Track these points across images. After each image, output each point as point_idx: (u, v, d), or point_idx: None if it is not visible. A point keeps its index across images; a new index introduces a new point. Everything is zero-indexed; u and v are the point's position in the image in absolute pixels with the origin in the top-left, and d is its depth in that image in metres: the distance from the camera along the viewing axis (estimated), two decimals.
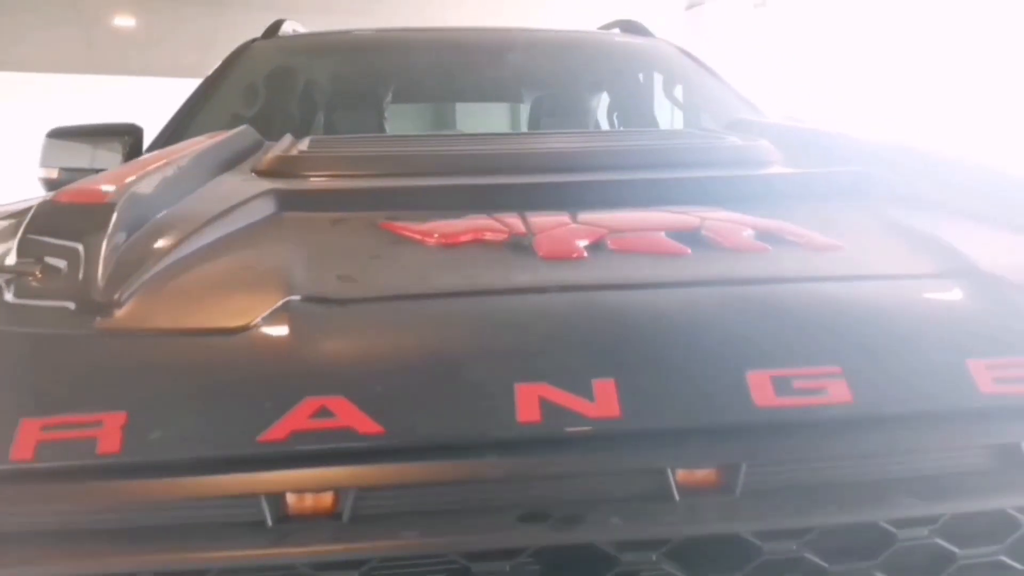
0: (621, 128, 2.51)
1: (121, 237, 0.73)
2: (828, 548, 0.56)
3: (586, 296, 0.68)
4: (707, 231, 0.79)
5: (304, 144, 1.37)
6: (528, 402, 0.56)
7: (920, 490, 0.57)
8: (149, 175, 0.91)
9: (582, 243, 0.76)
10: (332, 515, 0.54)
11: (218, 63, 2.36)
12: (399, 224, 0.83)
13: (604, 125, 2.61)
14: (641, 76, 2.61)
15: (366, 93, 2.52)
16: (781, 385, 0.59)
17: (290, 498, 0.55)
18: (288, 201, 0.89)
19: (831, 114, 5.47)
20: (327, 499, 0.55)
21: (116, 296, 0.64)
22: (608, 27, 2.89)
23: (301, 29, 2.72)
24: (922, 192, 0.93)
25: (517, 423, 0.56)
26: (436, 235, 0.80)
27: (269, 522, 0.53)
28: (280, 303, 0.63)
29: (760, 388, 0.58)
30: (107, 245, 0.70)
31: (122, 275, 0.67)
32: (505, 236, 0.79)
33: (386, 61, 2.54)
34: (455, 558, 0.54)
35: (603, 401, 0.57)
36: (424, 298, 0.68)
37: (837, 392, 0.58)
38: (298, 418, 0.55)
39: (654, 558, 0.55)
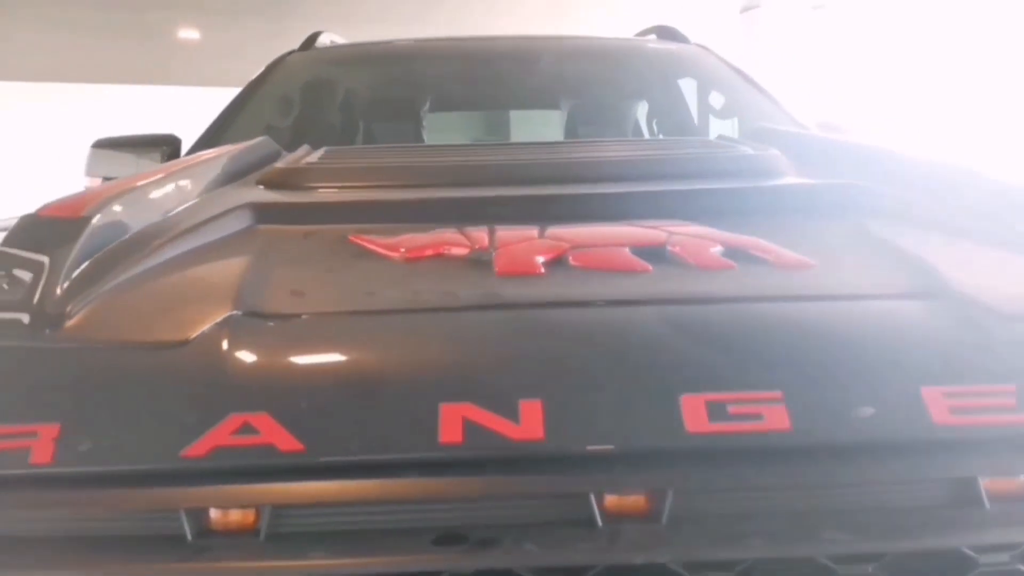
0: (653, 137, 2.48)
1: (88, 251, 0.75)
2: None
3: (524, 314, 0.67)
4: (673, 247, 0.77)
5: (315, 155, 1.39)
6: (451, 422, 0.56)
7: (861, 525, 0.54)
8: (139, 189, 0.93)
9: (541, 259, 0.75)
10: (252, 532, 0.55)
11: None
12: (367, 238, 0.83)
13: (645, 133, 2.58)
14: (677, 82, 2.57)
15: (403, 103, 2.54)
16: (716, 410, 0.56)
17: (213, 514, 0.55)
18: (264, 214, 0.91)
19: (887, 119, 5.28)
20: (249, 516, 0.55)
21: (67, 309, 0.66)
22: (645, 33, 2.86)
23: (339, 40, 2.77)
24: (918, 207, 0.89)
25: (438, 444, 0.55)
26: (400, 249, 0.80)
27: (188, 537, 0.54)
28: (222, 318, 0.64)
29: (693, 413, 0.56)
30: (70, 259, 0.72)
31: (79, 288, 0.69)
32: (467, 251, 0.78)
33: (422, 71, 2.57)
34: None
35: (528, 423, 0.56)
36: (362, 315, 0.68)
37: (775, 419, 0.56)
38: (221, 434, 0.55)
39: None
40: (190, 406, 0.58)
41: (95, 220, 0.79)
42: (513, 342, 0.64)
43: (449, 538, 0.53)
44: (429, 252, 0.79)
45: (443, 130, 3.14)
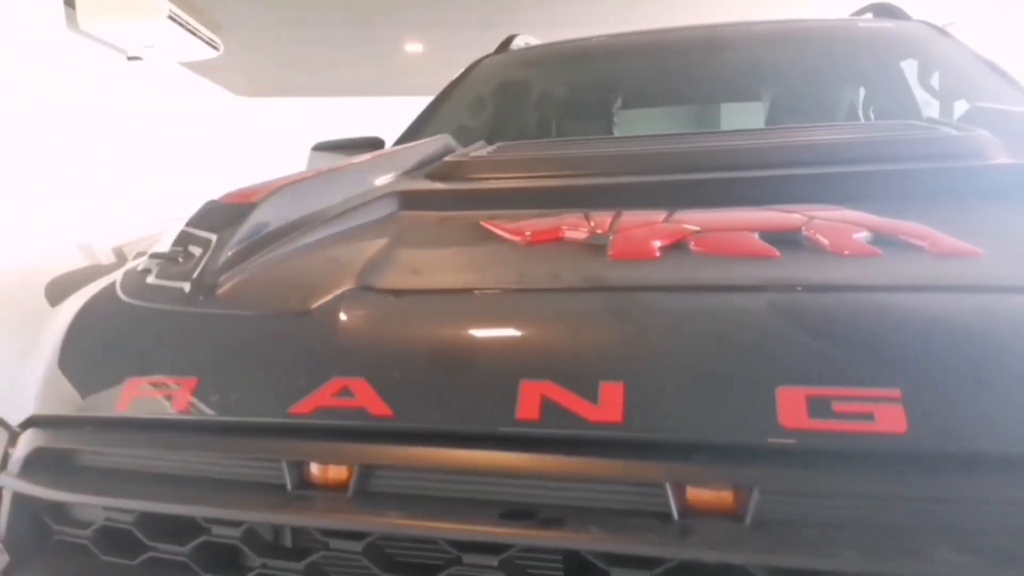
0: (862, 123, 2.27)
1: (251, 232, 0.84)
2: None
3: (621, 296, 0.64)
4: (811, 232, 0.71)
5: (485, 149, 1.44)
6: (530, 400, 0.55)
7: (980, 547, 0.46)
8: (309, 180, 1.02)
9: (658, 243, 0.72)
10: (343, 488, 0.58)
11: None
12: (496, 223, 0.85)
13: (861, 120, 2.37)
14: (896, 64, 2.33)
15: (593, 101, 2.55)
16: (818, 406, 0.51)
17: (312, 467, 0.60)
18: (408, 201, 0.96)
19: None
20: (342, 472, 0.59)
21: (220, 280, 0.75)
22: (861, 12, 2.64)
23: (534, 42, 2.84)
24: None
25: (515, 420, 0.55)
26: (524, 233, 0.80)
27: (288, 486, 0.59)
28: (340, 292, 0.69)
29: (791, 407, 0.51)
30: (234, 238, 0.81)
31: (235, 262, 0.78)
32: (587, 235, 0.77)
33: (614, 67, 2.55)
34: (446, 547, 0.55)
35: (607, 405, 0.54)
36: (465, 293, 0.69)
37: (889, 419, 0.50)
38: (324, 395, 0.60)
39: None
40: (302, 369, 0.63)
41: (262, 206, 0.88)
42: (602, 323, 0.62)
43: (516, 512, 0.53)
44: (550, 236, 0.79)
45: (638, 128, 3.09)
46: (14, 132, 4.39)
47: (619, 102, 2.64)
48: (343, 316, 0.65)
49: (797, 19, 2.66)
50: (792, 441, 0.50)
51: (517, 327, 0.64)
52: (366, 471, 0.58)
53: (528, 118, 2.57)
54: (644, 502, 0.52)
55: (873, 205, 0.77)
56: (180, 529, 0.62)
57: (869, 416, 0.50)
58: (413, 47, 7.20)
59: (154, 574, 0.63)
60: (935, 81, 2.21)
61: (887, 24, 2.32)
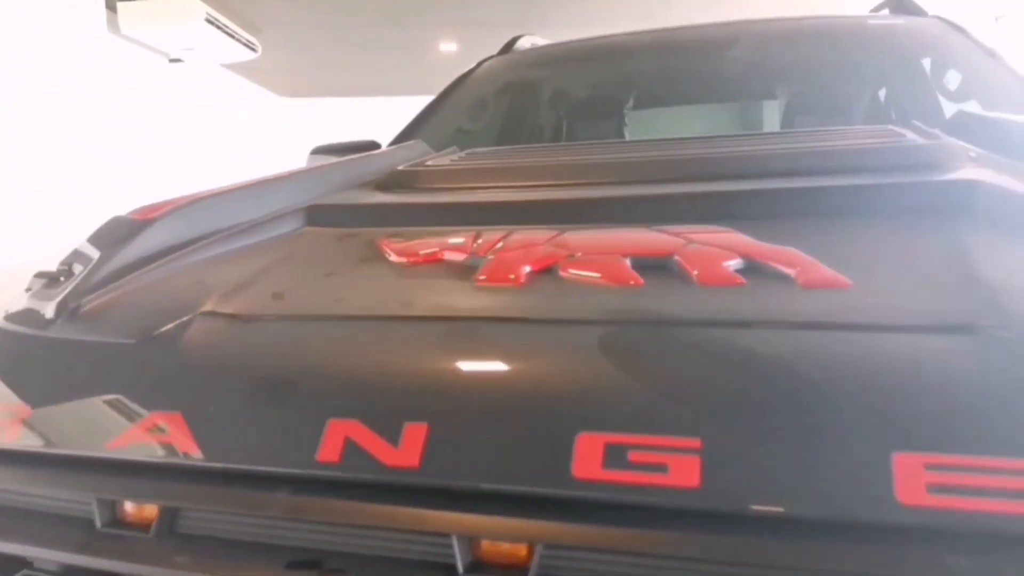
0: (885, 123, 2.17)
1: (138, 251, 0.83)
2: None
3: (456, 328, 0.61)
4: (682, 257, 0.66)
5: (450, 157, 1.41)
6: (334, 440, 0.52)
7: None
8: (227, 195, 1.00)
9: (527, 268, 0.68)
10: (148, 528, 0.56)
11: None
12: (391, 242, 0.82)
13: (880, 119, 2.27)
14: (913, 61, 2.23)
15: (602, 101, 2.49)
16: (614, 454, 0.47)
17: (127, 505, 0.58)
18: (314, 217, 0.93)
19: None
20: (153, 511, 0.57)
21: (81, 303, 0.73)
22: (879, 8, 2.54)
23: (541, 42, 2.79)
24: None
25: (316, 461, 0.52)
26: (408, 254, 0.77)
27: (98, 524, 0.57)
28: (184, 318, 0.67)
29: (587, 455, 0.47)
30: (115, 257, 0.80)
31: (104, 284, 0.76)
32: (464, 257, 0.74)
33: (622, 67, 2.50)
34: None
35: (407, 448, 0.51)
36: (306, 320, 0.67)
37: (683, 472, 0.45)
38: (140, 430, 0.58)
39: None
40: (127, 401, 0.61)
41: (159, 223, 0.86)
42: (419, 357, 0.58)
43: (302, 562, 0.50)
44: (431, 258, 0.75)
45: (650, 128, 3.02)
46: (63, 132, 4.54)
47: (630, 102, 2.58)
48: (176, 345, 0.63)
49: (809, 16, 2.56)
50: (582, 493, 0.46)
51: (338, 360, 0.61)
52: (170, 511, 0.56)
53: (532, 120, 2.53)
54: (433, 552, 0.49)
55: (777, 225, 0.72)
56: (7, 561, 0.61)
57: (663, 467, 0.45)
58: (448, 46, 7.21)
59: None
60: (948, 79, 2.11)
61: (899, 20, 2.22)
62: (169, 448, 0.56)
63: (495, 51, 2.87)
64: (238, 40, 6.21)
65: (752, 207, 0.80)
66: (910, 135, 1.12)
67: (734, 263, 0.63)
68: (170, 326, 0.66)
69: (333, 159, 2.22)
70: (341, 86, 8.50)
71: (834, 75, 2.27)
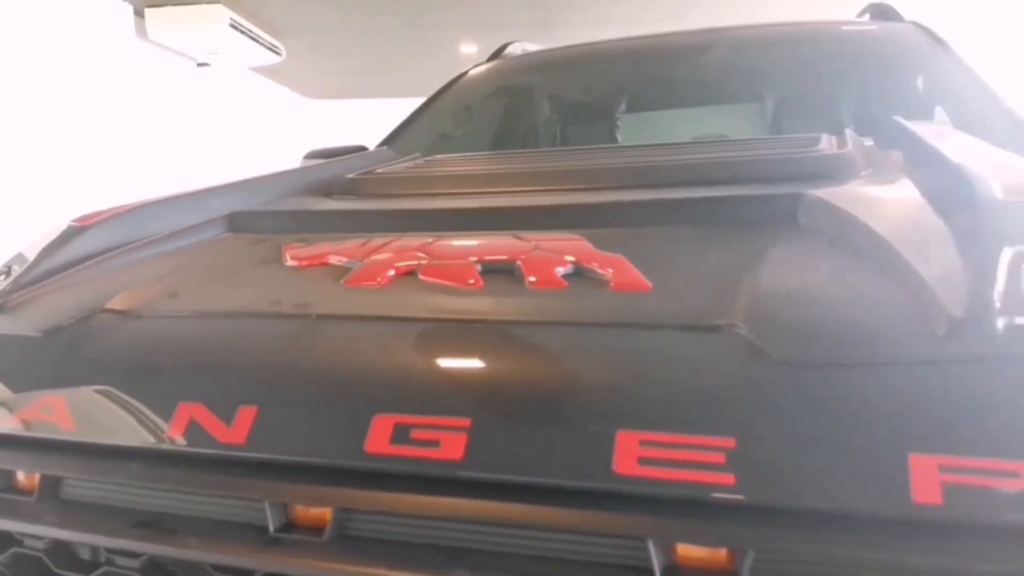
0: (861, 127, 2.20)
1: (69, 255, 0.92)
2: None
3: (293, 324, 0.69)
4: (523, 262, 0.73)
5: (405, 164, 1.50)
6: (181, 420, 0.61)
7: (489, 566, 0.50)
8: (168, 202, 1.09)
9: (392, 272, 0.76)
10: (32, 493, 0.66)
11: None
12: (293, 246, 0.90)
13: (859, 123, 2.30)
14: (893, 66, 2.26)
15: (591, 106, 2.56)
16: (400, 433, 0.55)
17: (19, 475, 0.68)
18: (235, 223, 1.02)
19: None
20: (35, 480, 0.66)
21: (10, 301, 0.83)
22: (862, 13, 2.57)
23: (531, 48, 2.86)
24: (858, 228, 0.72)
25: (165, 437, 0.61)
26: (300, 258, 0.85)
27: None
28: (81, 315, 0.76)
29: (379, 433, 0.55)
30: (46, 261, 0.90)
31: (29, 284, 0.86)
32: (346, 260, 0.82)
33: (610, 71, 2.55)
34: (80, 548, 0.62)
35: (238, 426, 0.59)
36: (182, 317, 0.75)
37: (451, 447, 0.53)
38: (32, 411, 0.67)
39: None
40: (27, 385, 0.70)
41: (92, 230, 0.96)
42: (260, 350, 0.67)
43: (147, 523, 0.59)
44: (317, 261, 0.83)
45: (641, 132, 3.07)
46: (104, 134, 4.74)
47: (622, 106, 2.63)
48: (70, 338, 0.72)
49: (799, 22, 2.60)
50: (373, 465, 0.54)
51: (195, 351, 0.69)
52: (51, 479, 0.65)
53: (521, 125, 2.59)
54: (249, 515, 0.57)
55: (625, 233, 0.79)
56: None
57: (436, 443, 0.53)
58: (468, 48, 7.30)
59: None
60: (919, 84, 2.14)
61: (875, 26, 2.25)
62: (51, 426, 0.65)
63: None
64: (262, 44, 6.38)
65: (608, 217, 0.87)
66: (823, 145, 1.17)
67: (563, 269, 0.71)
68: (72, 321, 0.76)
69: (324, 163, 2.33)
70: (364, 88, 8.65)
71: (814, 79, 2.31)
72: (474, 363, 0.60)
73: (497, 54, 2.67)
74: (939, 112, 2.01)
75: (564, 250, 0.75)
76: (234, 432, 0.58)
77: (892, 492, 0.44)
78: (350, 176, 1.33)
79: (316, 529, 0.56)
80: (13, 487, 0.67)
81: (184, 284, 0.84)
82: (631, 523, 0.48)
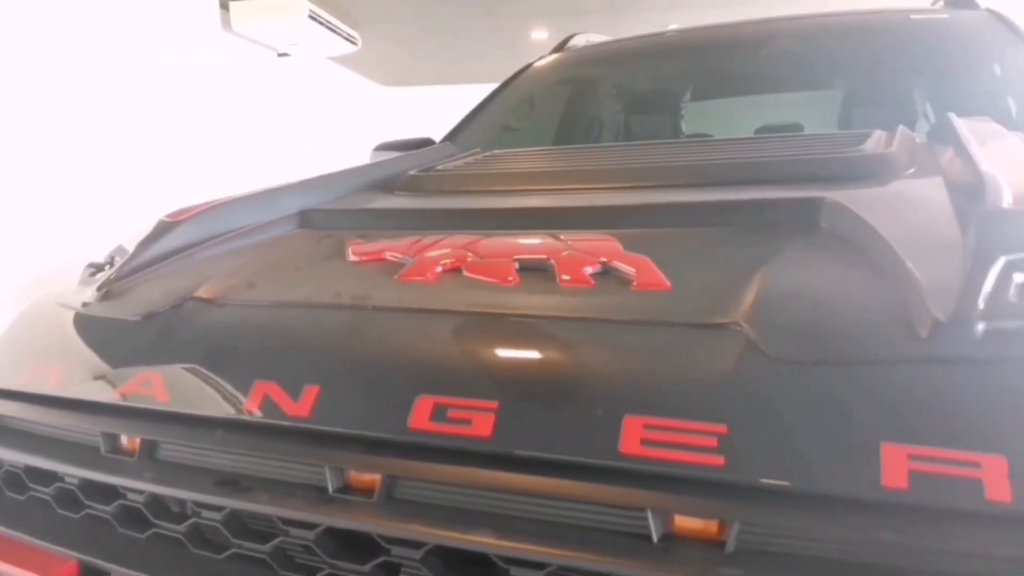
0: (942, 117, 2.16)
1: (164, 248, 1.04)
2: (451, 560, 0.61)
3: (352, 314, 0.78)
4: (556, 261, 0.80)
5: (465, 160, 1.58)
6: (257, 395, 0.71)
7: (526, 532, 0.58)
8: (249, 199, 1.20)
9: (440, 268, 0.84)
10: (133, 455, 0.77)
11: None
12: (356, 242, 0.99)
13: (931, 114, 2.26)
14: (967, 55, 2.20)
15: (657, 96, 2.58)
16: (439, 412, 0.63)
17: (123, 439, 0.79)
18: (306, 220, 1.12)
19: None
20: (135, 443, 0.78)
21: (110, 289, 0.95)
22: (935, 0, 2.50)
23: (596, 38, 2.89)
24: (892, 230, 0.76)
25: (243, 410, 0.71)
26: (360, 253, 0.95)
27: (102, 450, 0.78)
28: (173, 303, 0.87)
29: (422, 412, 0.64)
30: (145, 253, 1.02)
31: (130, 275, 0.98)
32: (400, 256, 0.90)
33: (676, 61, 2.57)
34: (172, 502, 0.73)
35: (304, 402, 0.69)
36: (259, 306, 0.85)
37: (481, 426, 0.61)
38: (134, 384, 0.79)
39: (311, 537, 0.66)
40: (129, 362, 0.82)
41: (183, 225, 1.08)
42: (326, 336, 0.76)
43: (226, 481, 0.69)
44: (374, 257, 0.93)
45: (707, 120, 3.07)
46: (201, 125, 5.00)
47: (687, 95, 2.65)
48: (165, 322, 0.84)
49: (869, 10, 2.55)
50: (415, 439, 0.63)
51: (268, 335, 0.79)
52: (150, 443, 0.76)
53: (586, 116, 2.64)
54: (313, 478, 0.67)
55: (654, 234, 0.85)
56: (46, 475, 0.84)
57: (469, 422, 0.61)
58: (539, 34, 7.33)
59: (31, 508, 0.85)
60: (994, 75, 2.09)
61: (949, 14, 2.20)
62: (150, 398, 0.76)
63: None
64: (339, 34, 6.57)
65: (641, 219, 0.92)
66: (868, 144, 1.19)
67: (592, 268, 0.77)
68: (166, 308, 0.87)
69: (394, 155, 2.43)
70: (438, 75, 8.80)
71: (884, 68, 2.27)
72: (504, 352, 0.68)
73: (561, 46, 2.71)
74: (1014, 104, 1.96)
75: (596, 250, 0.81)
76: (300, 406, 0.68)
77: (865, 476, 0.50)
78: (411, 173, 1.43)
79: (367, 491, 0.65)
80: (118, 448, 0.79)
81: (260, 276, 0.94)
82: (634, 496, 0.55)
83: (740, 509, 0.52)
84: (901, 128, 1.35)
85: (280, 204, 1.20)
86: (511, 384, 0.63)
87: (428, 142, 2.40)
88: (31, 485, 0.85)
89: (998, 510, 0.46)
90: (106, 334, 0.89)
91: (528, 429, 0.60)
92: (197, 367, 0.78)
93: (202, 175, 4.95)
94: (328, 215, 1.15)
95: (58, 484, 0.83)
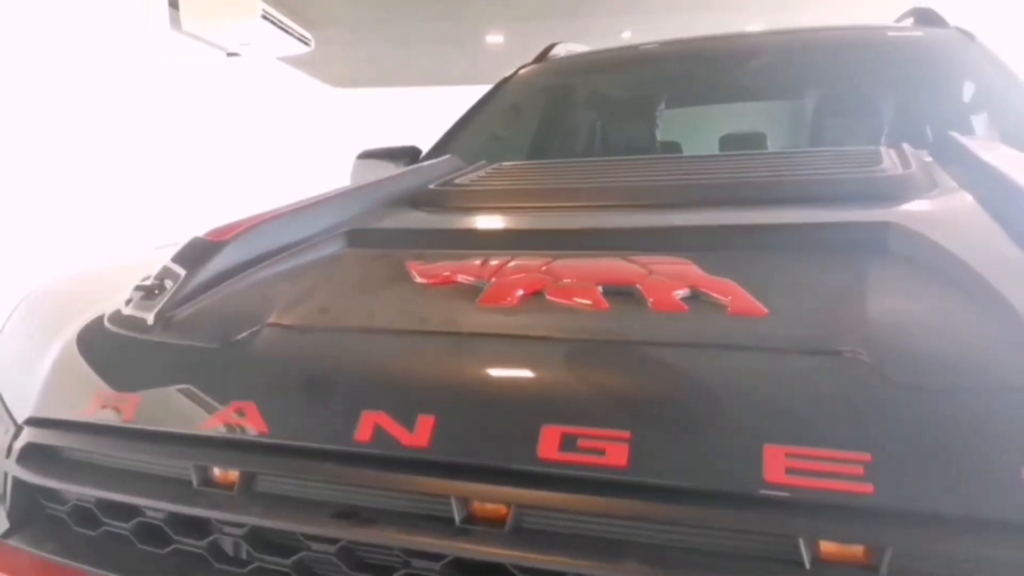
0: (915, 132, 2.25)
1: (215, 269, 1.01)
2: None
3: (454, 341, 0.78)
4: (642, 286, 0.82)
5: (477, 174, 1.59)
6: (367, 425, 0.70)
7: (662, 559, 0.59)
8: (284, 216, 1.19)
9: (521, 292, 0.85)
10: (232, 487, 0.75)
11: None
12: (415, 263, 0.98)
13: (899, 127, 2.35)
14: (936, 72, 2.30)
15: (633, 105, 2.63)
16: (568, 441, 0.64)
17: (215, 470, 0.77)
18: (353, 240, 1.11)
19: None
20: (234, 476, 0.76)
21: (174, 314, 0.93)
22: (904, 17, 2.61)
23: (578, 48, 2.93)
24: (965, 256, 0.80)
25: (353, 440, 0.70)
26: (428, 276, 0.94)
27: (194, 484, 0.76)
28: (254, 328, 0.85)
29: (549, 442, 0.64)
30: (196, 274, 0.99)
31: (190, 298, 0.96)
32: (472, 280, 0.91)
33: (652, 72, 2.63)
34: (290, 539, 0.72)
35: (420, 432, 0.68)
36: (346, 331, 0.85)
37: (615, 455, 0.62)
38: (226, 414, 0.77)
39: (437, 568, 0.66)
40: (214, 392, 0.80)
41: (230, 245, 1.05)
42: (434, 363, 0.76)
43: (344, 513, 0.69)
44: (446, 280, 0.92)
45: (680, 127, 3.14)
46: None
47: (662, 104, 2.71)
48: (249, 349, 0.82)
49: (840, 26, 2.65)
50: (546, 469, 0.64)
51: (369, 363, 0.78)
52: (248, 475, 0.74)
53: (566, 125, 2.67)
54: (437, 510, 0.67)
55: (726, 257, 0.87)
56: (125, 510, 0.81)
57: (602, 452, 0.62)
58: (494, 38, 7.36)
59: (107, 543, 0.82)
60: (964, 91, 2.19)
61: (919, 32, 2.30)
62: (246, 428, 0.75)
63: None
64: (292, 35, 6.46)
65: (710, 240, 0.95)
66: (887, 164, 1.25)
67: (681, 292, 0.79)
68: (245, 334, 0.85)
69: (376, 163, 2.41)
70: (393, 77, 8.75)
71: (852, 82, 2.36)
72: (628, 381, 0.69)
73: (542, 56, 2.74)
74: (984, 119, 2.06)
75: (674, 274, 0.83)
76: (417, 437, 0.68)
77: (1012, 499, 0.53)
78: (433, 187, 1.43)
79: (493, 521, 0.65)
80: (210, 481, 0.77)
81: (332, 300, 0.93)
82: (786, 524, 0.57)
83: (894, 535, 0.55)
84: (907, 147, 1.41)
85: (317, 220, 1.19)
86: (642, 413, 0.64)
87: (414, 150, 2.39)
88: (105, 520, 0.82)
89: None
90: (183, 362, 0.86)
91: (665, 459, 0.61)
92: (293, 396, 0.77)
93: (138, 176, 4.82)
94: (376, 234, 1.14)
95: (139, 519, 0.80)
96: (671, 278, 0.82)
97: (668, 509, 0.60)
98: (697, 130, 2.99)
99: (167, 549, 0.78)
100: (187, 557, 0.77)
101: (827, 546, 0.57)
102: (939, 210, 1.00)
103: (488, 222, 1.17)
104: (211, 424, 0.76)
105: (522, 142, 2.54)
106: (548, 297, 0.83)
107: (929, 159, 1.33)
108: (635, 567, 0.59)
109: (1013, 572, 0.53)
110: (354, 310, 0.91)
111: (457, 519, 0.65)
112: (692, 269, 0.84)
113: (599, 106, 2.69)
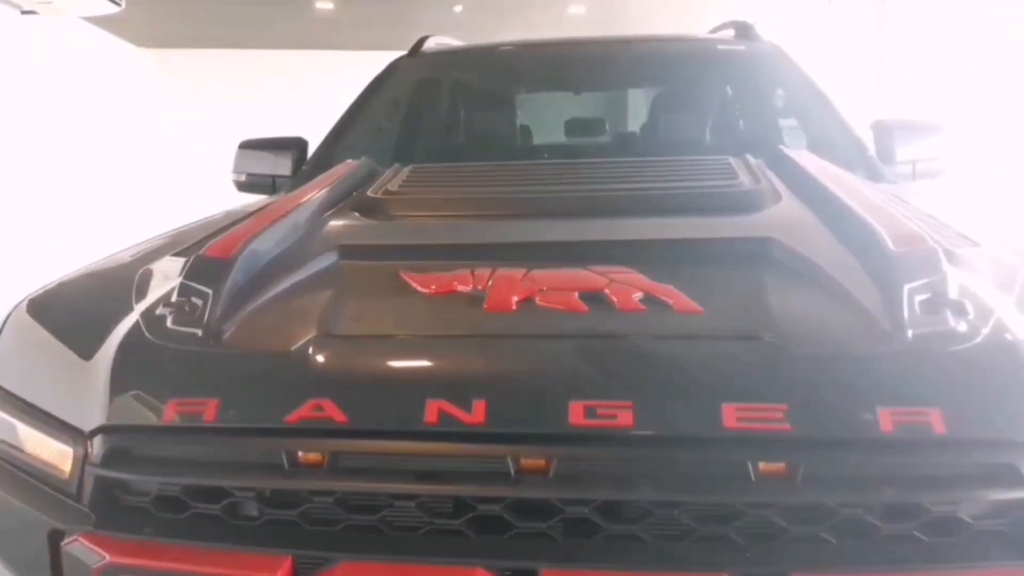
0: (732, 130, 2.66)
1: (234, 284, 1.18)
2: (608, 511, 0.90)
3: (485, 341, 1.04)
4: (609, 291, 1.11)
5: (400, 179, 1.80)
6: (433, 410, 0.94)
7: (662, 481, 0.90)
8: (265, 231, 1.35)
9: (516, 298, 1.11)
10: (320, 467, 0.96)
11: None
12: (411, 275, 1.21)
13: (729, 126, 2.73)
14: (749, 80, 2.73)
15: (497, 95, 2.91)
16: (590, 412, 0.92)
17: (299, 455, 0.97)
18: (345, 252, 1.32)
19: None
20: (319, 458, 0.97)
21: (223, 327, 1.10)
22: (722, 28, 3.02)
23: (452, 42, 3.12)
24: (817, 261, 1.17)
25: (424, 423, 0.94)
26: (429, 286, 1.17)
27: (285, 467, 0.96)
28: (309, 337, 1.05)
29: (577, 413, 0.91)
30: (224, 291, 1.16)
31: (230, 312, 1.13)
32: (471, 289, 1.15)
33: (514, 65, 2.92)
34: (384, 498, 0.95)
35: (477, 413, 0.93)
36: (394, 337, 1.08)
37: (624, 419, 0.91)
38: (307, 410, 0.97)
39: (499, 509, 0.92)
40: (290, 392, 0.99)
41: (238, 262, 1.22)
42: (478, 359, 1.02)
43: (423, 475, 0.93)
44: (447, 289, 1.16)
45: (538, 112, 3.50)
46: None
47: (521, 93, 3.05)
48: (314, 355, 1.02)
49: (672, 36, 3.09)
50: (575, 432, 0.91)
51: (426, 362, 1.03)
52: (335, 455, 0.95)
53: (440, 113, 2.90)
54: (490, 467, 0.92)
55: (660, 266, 1.19)
56: (213, 493, 0.99)
57: (614, 417, 0.91)
58: (324, 4, 7.24)
59: (198, 523, 0.99)
60: (776, 101, 2.65)
61: (743, 45, 2.70)
62: (327, 419, 0.95)
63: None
64: None
65: (644, 252, 1.27)
66: (743, 177, 1.62)
67: (638, 296, 1.09)
68: (300, 343, 1.04)
69: (259, 153, 2.48)
70: (213, 38, 8.31)
71: (683, 83, 2.79)
72: (624, 365, 0.98)
73: (416, 49, 2.89)
74: (793, 123, 2.53)
75: (629, 281, 1.13)
76: (475, 416, 0.93)
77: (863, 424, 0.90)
78: (371, 195, 1.64)
79: (539, 472, 0.92)
80: (297, 463, 0.96)
81: (360, 311, 1.13)
82: (738, 453, 0.88)
83: (805, 455, 0.88)
84: (750, 158, 1.80)
85: (288, 230, 1.39)
86: (639, 388, 0.93)
87: (300, 141, 2.50)
88: (193, 504, 0.99)
89: None
90: (252, 369, 1.03)
91: (658, 418, 0.91)
92: (363, 392, 0.97)
93: None
94: (363, 249, 1.35)
95: (230, 499, 0.98)
96: (627, 285, 1.12)
97: (663, 451, 0.91)
98: (548, 116, 3.38)
99: (259, 521, 0.98)
100: (280, 524, 0.97)
101: (765, 466, 0.90)
102: (792, 221, 1.37)
103: (458, 235, 1.41)
104: (294, 418, 0.96)
105: (403, 132, 2.73)
106: (539, 303, 1.10)
107: (770, 172, 1.71)
108: (645, 491, 0.89)
109: (876, 471, 0.89)
110: (384, 319, 1.13)
111: (512, 472, 0.92)
112: (638, 277, 1.15)
113: (467, 94, 2.94)
